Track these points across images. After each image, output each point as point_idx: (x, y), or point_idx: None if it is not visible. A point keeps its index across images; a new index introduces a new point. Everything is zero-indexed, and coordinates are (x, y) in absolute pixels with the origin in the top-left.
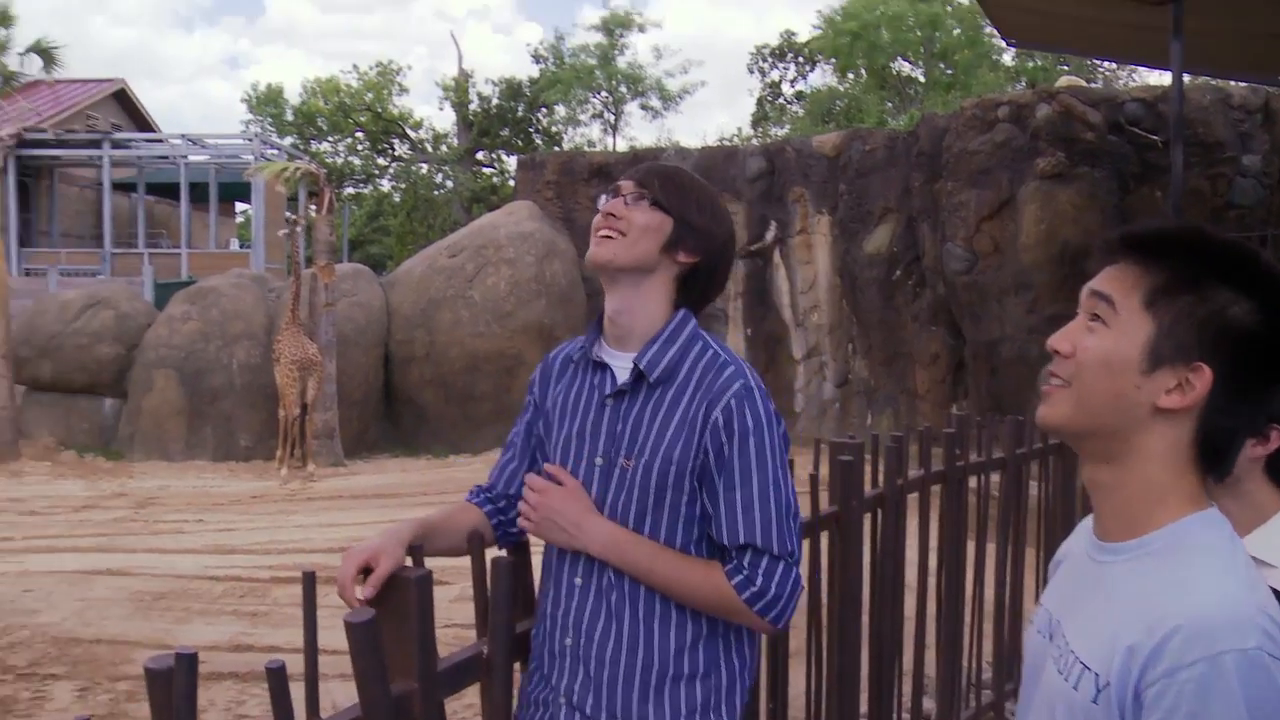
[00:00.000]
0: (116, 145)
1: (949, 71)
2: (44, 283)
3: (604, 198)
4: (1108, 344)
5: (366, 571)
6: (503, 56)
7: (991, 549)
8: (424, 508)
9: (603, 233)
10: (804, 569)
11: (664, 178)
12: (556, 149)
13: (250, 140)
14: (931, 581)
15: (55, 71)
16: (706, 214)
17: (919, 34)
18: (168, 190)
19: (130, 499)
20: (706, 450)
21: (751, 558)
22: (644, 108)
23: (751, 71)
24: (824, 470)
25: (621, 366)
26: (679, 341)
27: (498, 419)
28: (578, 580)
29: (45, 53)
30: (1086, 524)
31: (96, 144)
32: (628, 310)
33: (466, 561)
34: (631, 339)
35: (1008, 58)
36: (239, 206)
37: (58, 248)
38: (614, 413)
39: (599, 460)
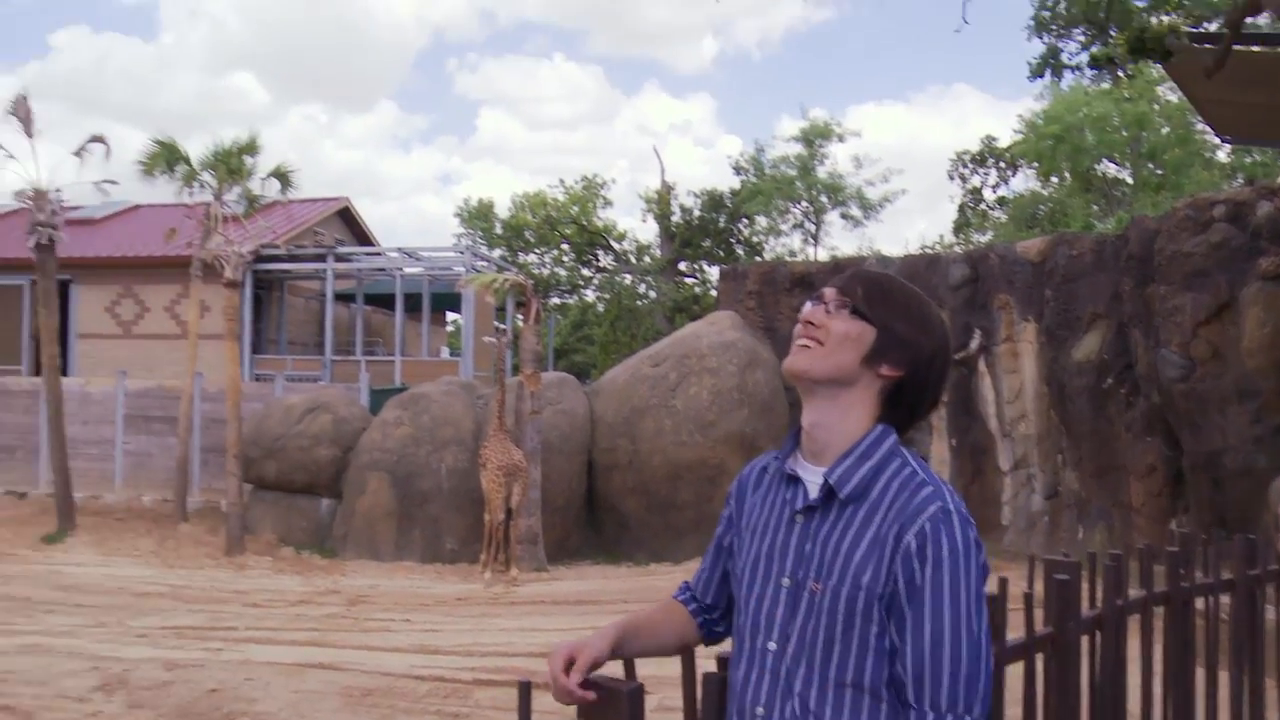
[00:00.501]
0: (339, 259)
1: (1158, 171)
2: (272, 387)
3: (807, 305)
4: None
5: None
6: (704, 168)
7: (1224, 678)
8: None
9: (800, 341)
10: (1018, 694)
11: (868, 284)
12: (758, 259)
13: (461, 253)
14: (1156, 711)
15: (289, 193)
16: (914, 323)
17: (1125, 134)
18: (384, 300)
19: (342, 596)
20: (896, 577)
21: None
22: (844, 217)
23: (952, 178)
24: (1038, 587)
25: (814, 481)
26: (875, 458)
27: (699, 528)
28: (759, 710)
29: (282, 176)
30: None
31: (322, 258)
32: (825, 424)
33: (667, 670)
34: (828, 453)
35: (1222, 155)
36: (450, 316)
37: (285, 354)
38: (804, 530)
39: (786, 581)
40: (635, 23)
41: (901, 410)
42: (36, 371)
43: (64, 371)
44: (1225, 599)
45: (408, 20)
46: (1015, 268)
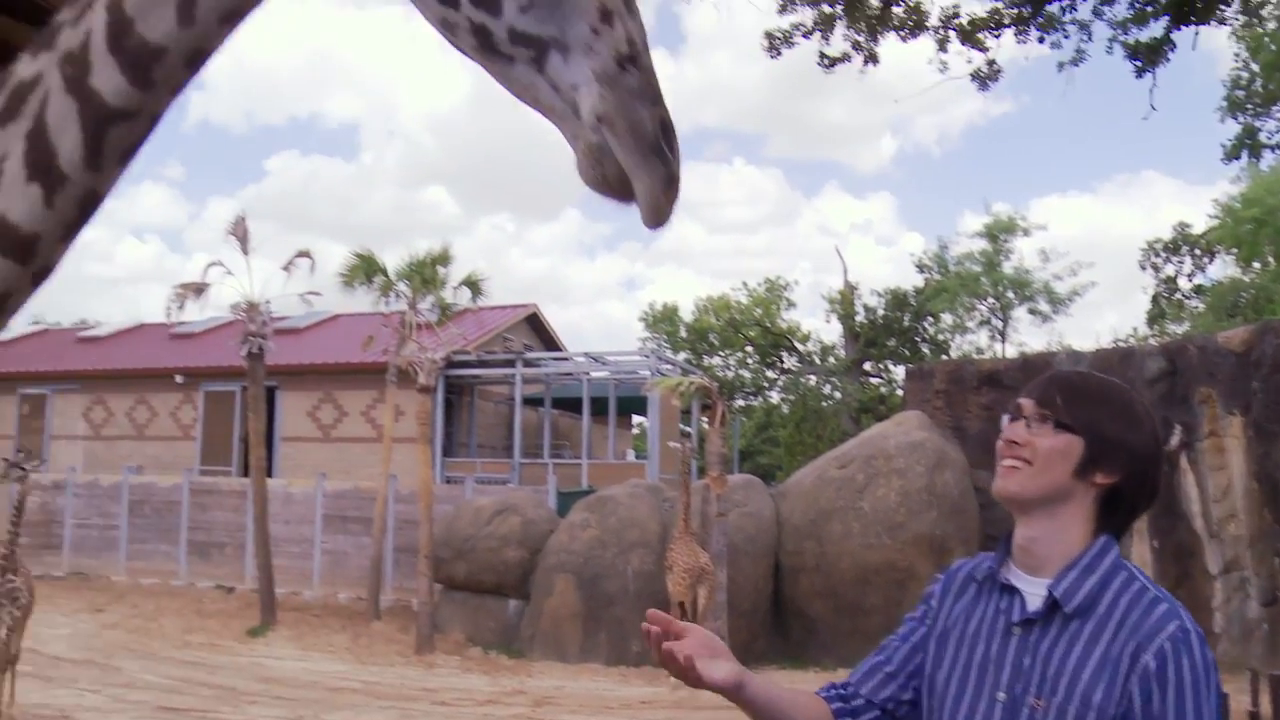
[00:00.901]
0: (527, 364)
1: None
2: (462, 489)
3: (1005, 419)
4: None
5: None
6: (886, 267)
7: None
8: None
9: (1006, 462)
10: None
11: (1066, 390)
12: (944, 357)
13: (646, 357)
14: None
15: (480, 300)
16: (1121, 424)
17: None
18: (571, 404)
19: (528, 697)
20: (1132, 698)
21: None
22: (1032, 312)
23: (1144, 268)
24: (1264, 704)
25: (1033, 593)
26: (1099, 570)
27: (888, 633)
28: None
29: (473, 285)
30: None
31: (511, 363)
32: (1042, 539)
33: None
34: (1047, 567)
35: None
36: (635, 419)
37: (474, 458)
38: (1021, 644)
39: (1001, 695)
40: (813, 125)
41: (1120, 514)
42: (245, 472)
43: (269, 473)
44: None
45: None
46: (1217, 359)
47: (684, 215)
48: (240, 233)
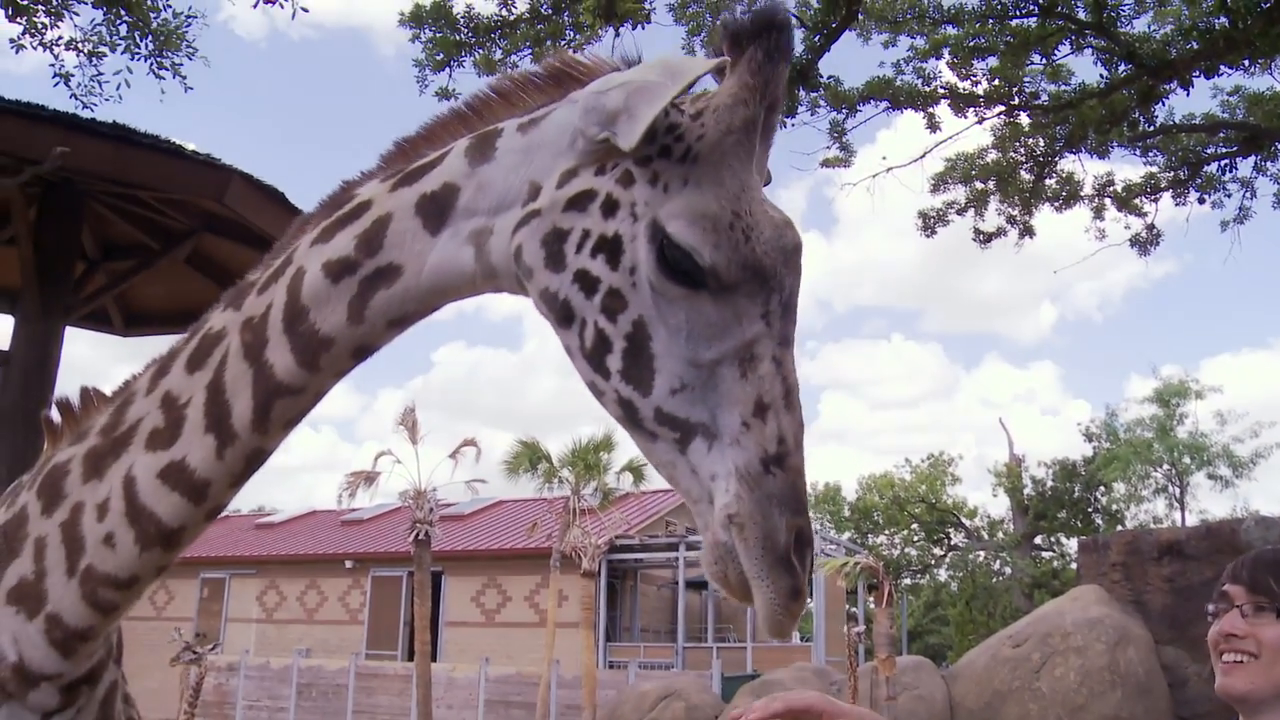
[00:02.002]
0: (690, 547)
1: None
2: (625, 675)
3: (1209, 608)
4: None
5: None
6: (1052, 437)
7: None
8: None
9: (1228, 658)
10: None
11: (1278, 573)
12: (1119, 528)
13: None
14: None
15: (642, 485)
16: None
17: None
18: None
19: None
20: None
21: None
22: (1211, 477)
23: None
24: None
25: None
26: None
27: None
28: None
29: (635, 470)
30: None
31: (673, 547)
32: None
33: None
34: None
35: None
36: None
37: (637, 642)
38: None
39: None
40: (970, 298)
41: None
42: (409, 657)
43: (433, 657)
44: None
45: None
46: None
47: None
48: (409, 423)
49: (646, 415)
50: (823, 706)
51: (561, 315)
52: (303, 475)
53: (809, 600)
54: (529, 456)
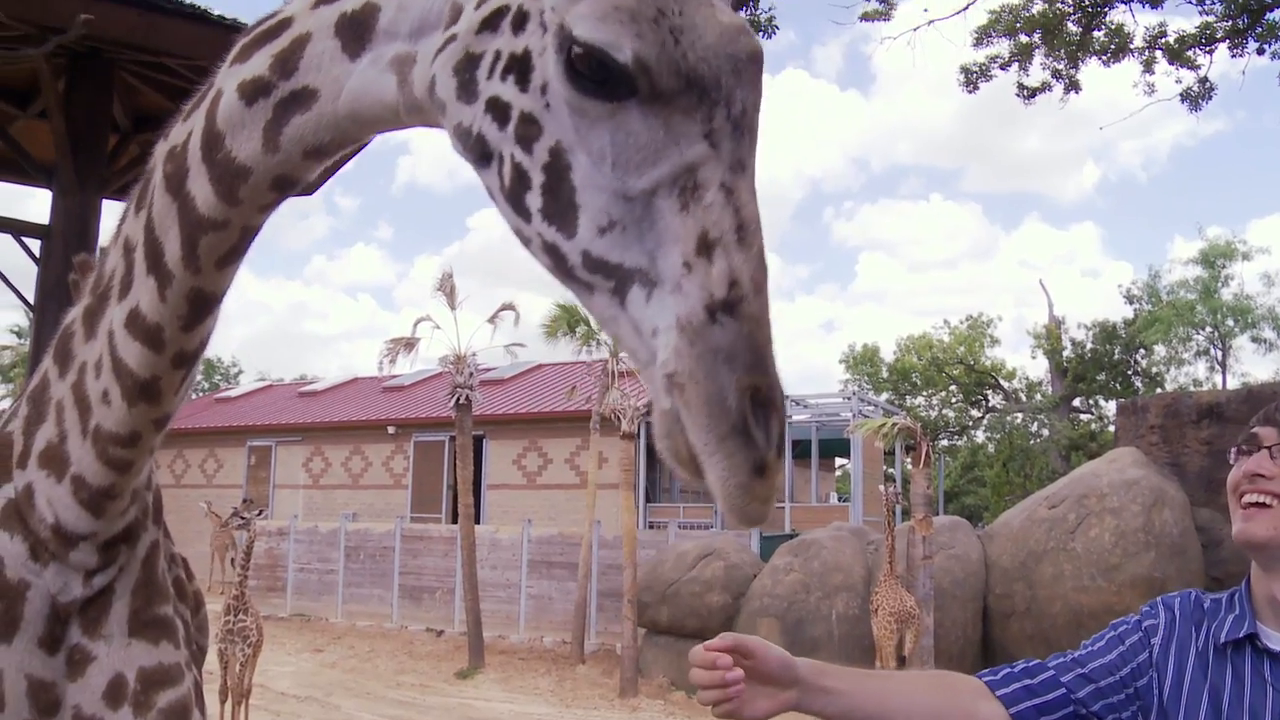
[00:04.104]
0: None
1: None
2: (665, 535)
3: (1233, 452)
4: None
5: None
6: (1093, 300)
7: None
8: None
9: (1250, 498)
10: None
11: None
12: (1159, 391)
13: (848, 399)
14: None
15: None
16: None
17: None
18: None
19: None
20: None
21: None
22: (1255, 340)
23: None
24: None
25: None
26: None
27: None
28: None
29: None
30: None
31: None
32: None
33: None
34: None
35: None
36: (838, 462)
37: (677, 503)
38: None
39: None
40: (1011, 157)
41: None
42: (453, 519)
43: (476, 519)
44: None
45: (785, 175)
46: None
47: (882, 254)
48: (447, 288)
49: (575, 262)
50: (756, 649)
51: (478, 153)
52: (342, 344)
53: (784, 476)
54: (567, 320)
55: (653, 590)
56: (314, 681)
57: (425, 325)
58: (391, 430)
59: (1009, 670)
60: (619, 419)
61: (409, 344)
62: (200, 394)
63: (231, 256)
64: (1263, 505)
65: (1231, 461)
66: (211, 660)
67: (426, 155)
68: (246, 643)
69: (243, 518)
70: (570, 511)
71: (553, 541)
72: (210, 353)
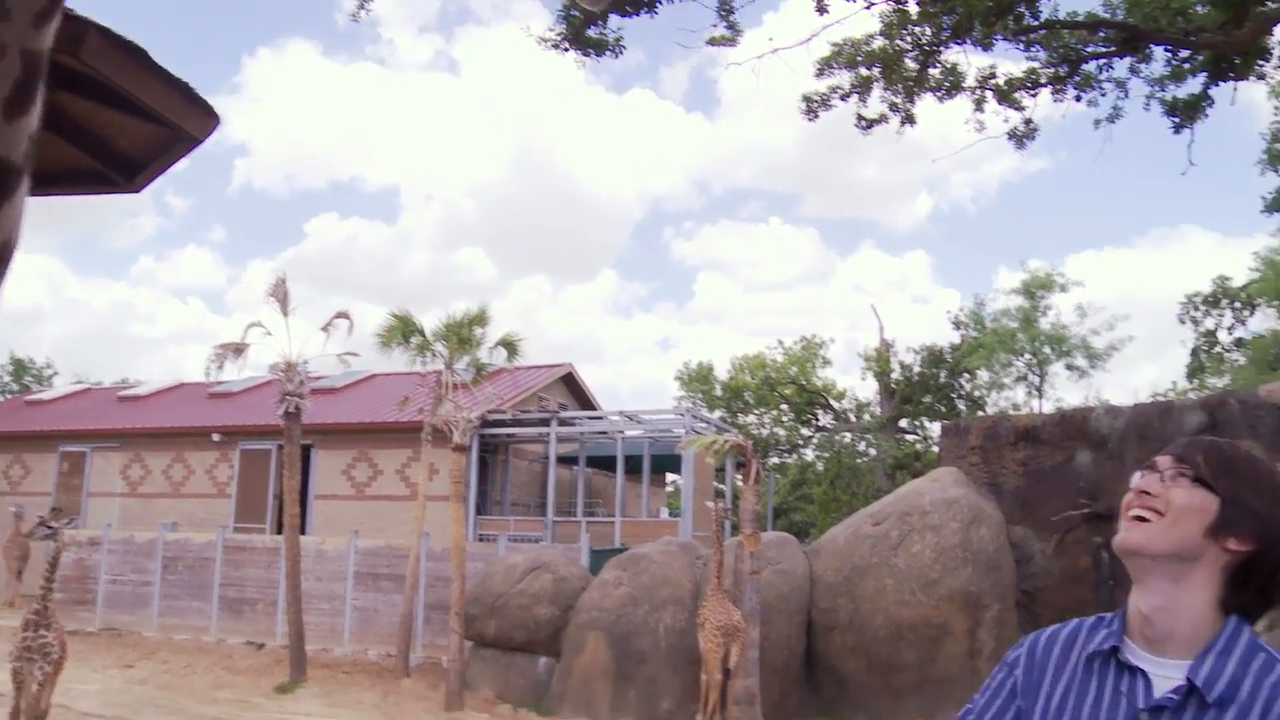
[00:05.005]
0: (562, 423)
1: None
2: (495, 547)
3: (1137, 475)
4: None
5: None
6: (922, 324)
7: None
8: None
9: (1135, 513)
10: None
11: (1209, 451)
12: (980, 414)
13: (681, 415)
14: None
15: (515, 360)
16: (1265, 495)
17: None
18: (605, 463)
19: None
20: None
21: None
22: (1070, 367)
23: (1183, 321)
24: None
25: (1161, 675)
26: (1236, 653)
27: (922, 690)
28: None
29: (509, 345)
30: None
31: (545, 422)
32: (1167, 608)
33: None
34: (1170, 642)
35: None
36: (670, 477)
37: (508, 515)
38: None
39: None
40: (849, 184)
41: (1250, 593)
42: (279, 530)
43: (302, 530)
44: None
45: (627, 193)
46: (1259, 413)
47: (720, 274)
48: (280, 294)
49: None
50: None
51: None
52: (169, 347)
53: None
54: (402, 330)
55: (481, 603)
56: (122, 700)
57: (256, 331)
58: (217, 438)
59: None
60: (451, 430)
61: (238, 349)
62: (7, 396)
63: (22, 97)
64: (1143, 519)
65: (1130, 485)
66: (4, 680)
67: (265, 158)
68: (47, 659)
69: (49, 527)
70: (399, 523)
71: (380, 553)
72: (21, 353)
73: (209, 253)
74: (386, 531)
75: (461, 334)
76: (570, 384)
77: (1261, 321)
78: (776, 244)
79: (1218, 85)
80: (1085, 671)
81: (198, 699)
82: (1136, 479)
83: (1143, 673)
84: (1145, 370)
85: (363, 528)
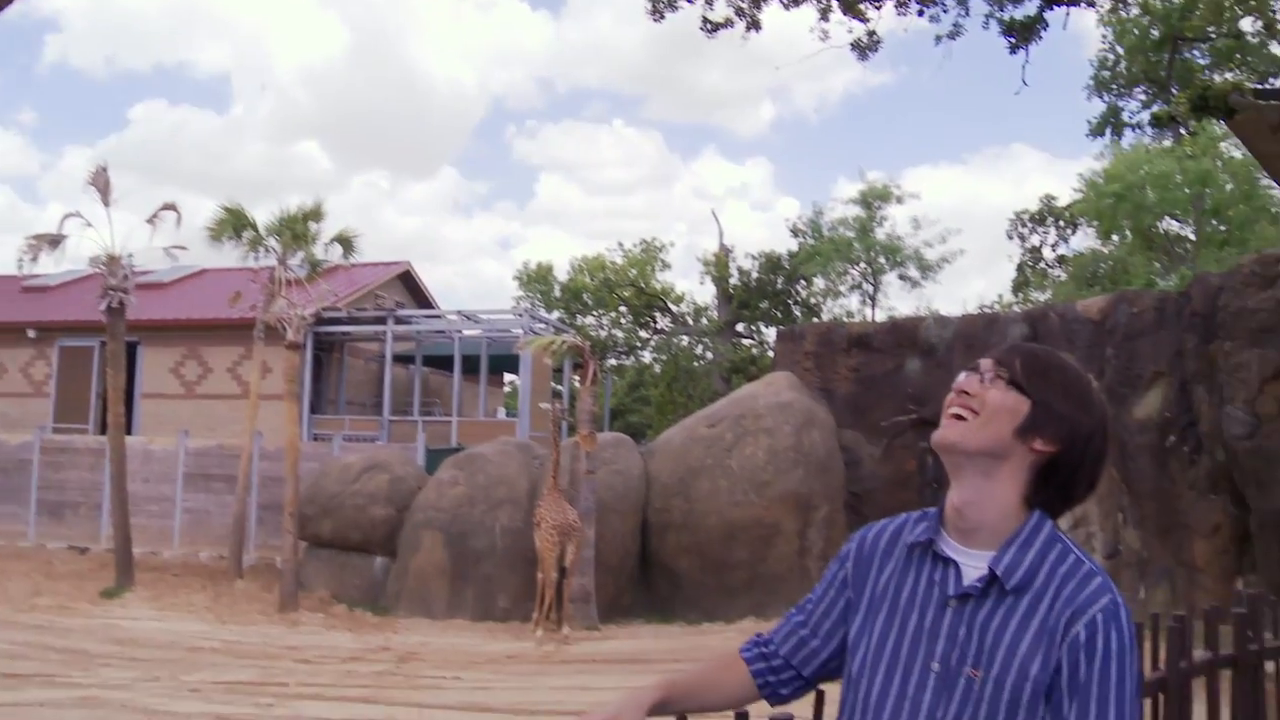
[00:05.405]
0: (399, 321)
1: (1222, 228)
2: (330, 447)
3: (961, 375)
4: None
5: None
6: (762, 231)
7: None
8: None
9: (953, 411)
10: None
11: (1027, 357)
12: (815, 320)
13: (520, 316)
14: None
15: (352, 258)
16: (1074, 400)
17: (1187, 192)
18: (442, 362)
19: (394, 653)
20: (1060, 666)
21: None
22: (902, 278)
23: (1011, 237)
24: None
25: (970, 565)
26: (1036, 544)
27: (753, 588)
28: None
29: (345, 242)
30: None
31: (382, 321)
32: (977, 503)
33: None
34: (979, 534)
35: None
36: (507, 377)
37: (343, 415)
38: (957, 616)
39: (935, 666)
40: (693, 89)
41: (1053, 490)
42: (103, 430)
43: (128, 430)
44: None
45: (469, 89)
46: (1075, 326)
47: (562, 175)
48: (101, 183)
49: None
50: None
51: None
52: None
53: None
54: (234, 224)
55: (315, 503)
56: None
57: (75, 222)
58: (32, 334)
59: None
60: (285, 328)
61: (54, 241)
62: None
63: None
64: (960, 418)
65: (954, 385)
66: None
67: (79, 34)
68: None
69: None
70: (231, 423)
71: (211, 453)
72: None
73: (18, 136)
74: (218, 431)
75: (296, 229)
76: (408, 282)
77: (1082, 240)
78: (620, 146)
79: (1052, 9)
80: (905, 562)
81: (13, 606)
82: (960, 379)
83: (955, 563)
84: (974, 283)
85: (193, 427)
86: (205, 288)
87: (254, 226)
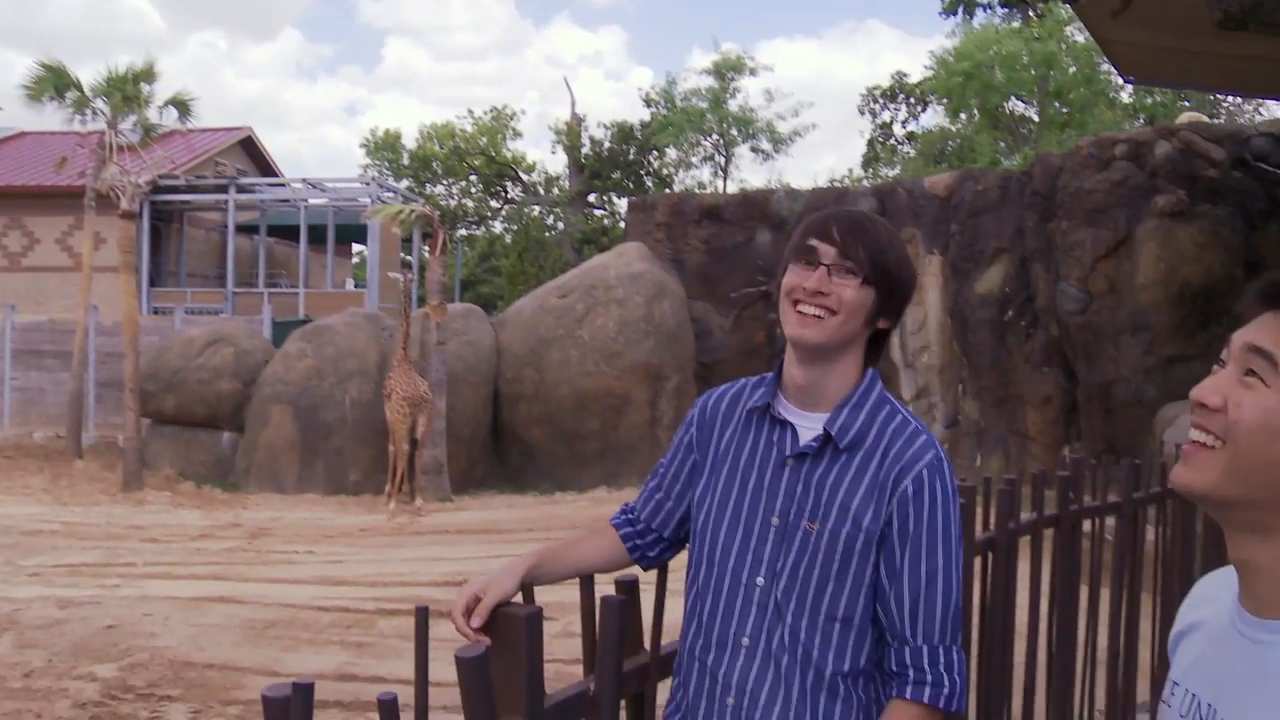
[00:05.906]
0: (241, 190)
1: (1064, 110)
2: (171, 321)
3: (795, 265)
4: (1270, 403)
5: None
6: (614, 101)
7: (1106, 595)
8: (528, 544)
9: (810, 310)
10: None
11: (867, 241)
12: (667, 191)
13: (367, 184)
14: (1042, 627)
15: (189, 122)
16: (905, 270)
17: (1033, 73)
18: (288, 232)
19: (244, 529)
20: (891, 518)
21: (930, 656)
22: (755, 150)
23: (862, 113)
24: None
25: (806, 427)
26: (867, 405)
27: (604, 457)
28: (745, 640)
29: (181, 105)
30: (1221, 594)
31: (223, 189)
32: (821, 382)
33: (573, 597)
34: (821, 403)
35: (1125, 95)
36: (355, 248)
37: (184, 287)
38: (794, 474)
39: (775, 520)
40: None
41: (879, 349)
42: None
43: None
44: (1111, 522)
45: None
46: (922, 202)
47: (410, 40)
48: None
49: None
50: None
51: None
52: None
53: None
54: (54, 82)
55: (157, 379)
56: None
57: None
58: None
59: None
60: (118, 196)
61: None
62: None
63: None
64: (818, 317)
65: (793, 274)
66: None
67: None
68: None
69: None
70: (62, 296)
71: (42, 329)
72: None
73: None
74: (48, 306)
75: (126, 90)
76: (250, 149)
77: (932, 118)
78: (470, 10)
79: None
80: (745, 425)
81: None
82: (811, 279)
83: (791, 425)
84: (825, 157)
85: (20, 302)
86: (26, 151)
87: (78, 86)
